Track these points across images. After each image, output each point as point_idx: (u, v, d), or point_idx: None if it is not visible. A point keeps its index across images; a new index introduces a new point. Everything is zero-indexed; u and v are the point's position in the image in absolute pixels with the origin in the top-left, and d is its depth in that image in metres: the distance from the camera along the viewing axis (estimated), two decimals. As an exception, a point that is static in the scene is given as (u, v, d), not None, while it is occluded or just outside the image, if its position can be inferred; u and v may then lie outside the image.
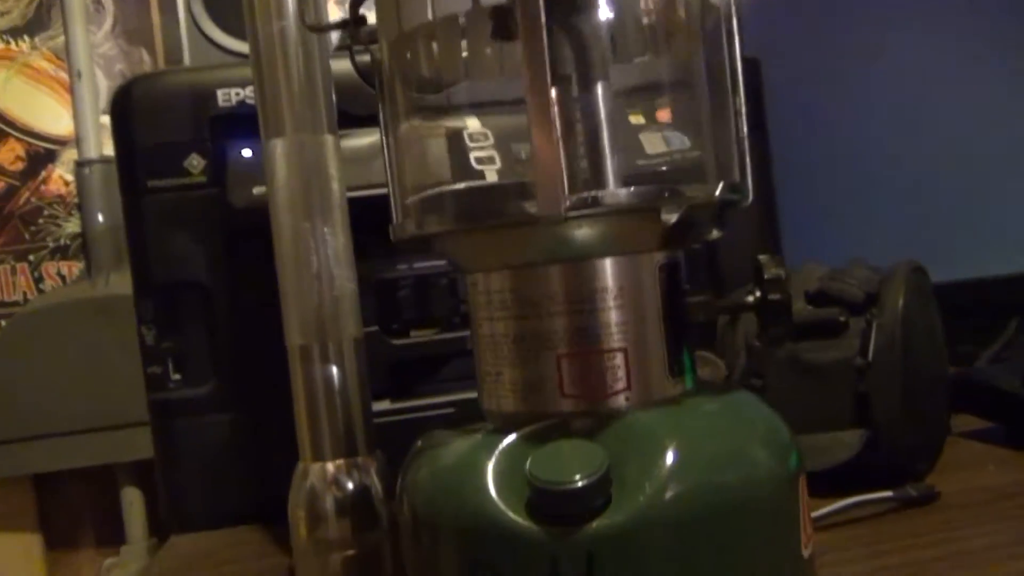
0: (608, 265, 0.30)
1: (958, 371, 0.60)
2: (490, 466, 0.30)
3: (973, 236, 0.86)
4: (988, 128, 0.84)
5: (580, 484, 0.27)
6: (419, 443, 0.35)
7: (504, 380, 0.32)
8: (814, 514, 0.39)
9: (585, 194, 0.28)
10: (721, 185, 0.30)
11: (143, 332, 0.59)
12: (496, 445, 0.30)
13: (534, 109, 0.27)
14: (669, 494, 0.28)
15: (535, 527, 0.28)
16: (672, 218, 0.30)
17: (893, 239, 0.83)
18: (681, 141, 0.48)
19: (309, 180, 0.45)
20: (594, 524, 0.27)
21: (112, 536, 1.01)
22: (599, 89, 0.33)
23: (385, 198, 0.54)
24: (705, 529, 0.28)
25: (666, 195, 0.29)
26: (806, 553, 0.31)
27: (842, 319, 0.51)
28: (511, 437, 0.30)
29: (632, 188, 0.29)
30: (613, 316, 0.30)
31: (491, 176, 0.51)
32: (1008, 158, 0.85)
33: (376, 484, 0.46)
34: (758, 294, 0.33)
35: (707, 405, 0.32)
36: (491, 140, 0.53)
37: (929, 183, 0.85)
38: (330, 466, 0.46)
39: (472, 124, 0.60)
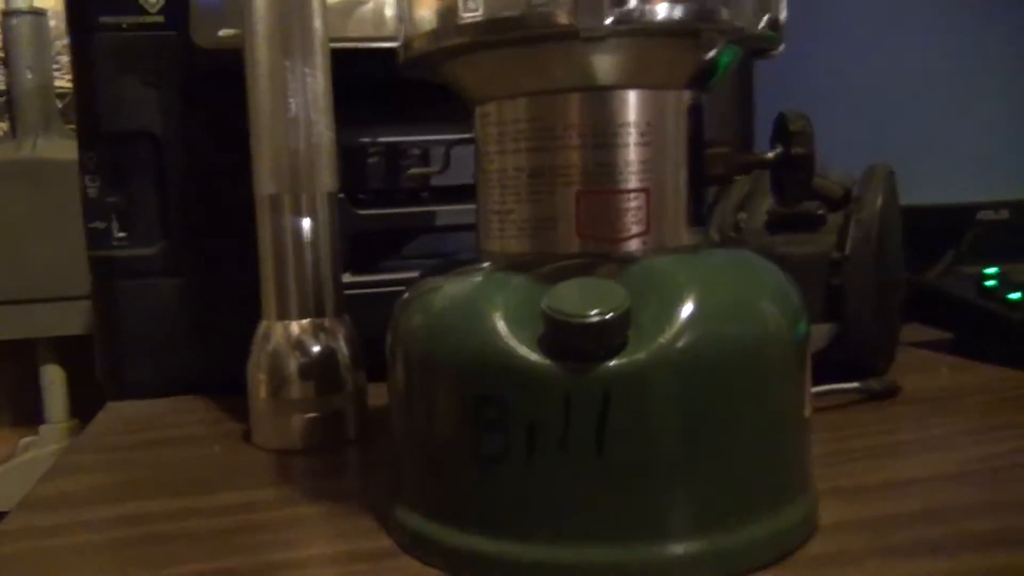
0: (637, 97, 0.29)
1: (914, 280, 0.61)
2: (499, 301, 0.28)
3: (920, 165, 0.87)
4: (943, 66, 0.85)
5: (601, 319, 0.25)
6: (406, 294, 0.33)
7: (513, 218, 0.30)
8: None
9: (629, 8, 0.26)
10: (766, 18, 0.28)
11: (87, 184, 0.55)
12: (505, 282, 0.29)
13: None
14: (688, 338, 0.27)
15: (549, 362, 0.26)
16: (712, 50, 0.28)
17: (849, 157, 0.83)
18: None
19: (290, 13, 0.42)
20: (612, 362, 0.26)
21: (31, 416, 0.97)
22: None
23: (359, 55, 0.51)
24: (720, 376, 0.27)
25: (712, 17, 0.27)
26: (807, 413, 0.31)
27: (820, 213, 0.50)
28: (523, 274, 0.28)
29: (677, 4, 0.27)
30: (638, 153, 0.29)
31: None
32: (960, 99, 0.86)
33: (343, 349, 0.44)
34: (779, 149, 0.32)
35: (723, 257, 0.31)
36: None
37: (886, 111, 0.85)
38: (295, 326, 0.44)
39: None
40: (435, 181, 0.56)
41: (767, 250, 0.51)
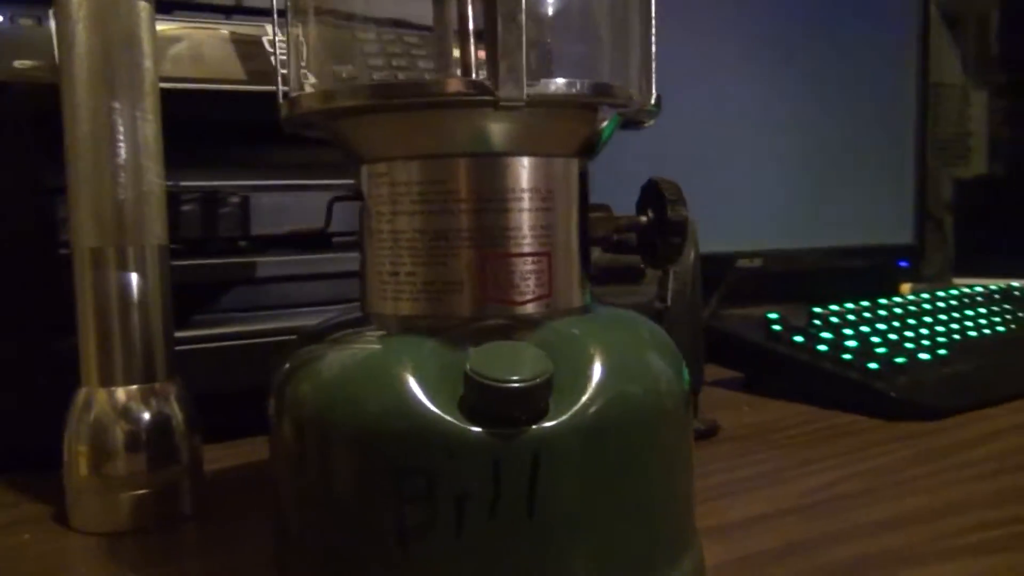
0: (537, 164, 0.29)
1: (709, 324, 0.66)
2: (411, 365, 0.27)
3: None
4: (710, 121, 0.94)
5: (531, 383, 0.25)
6: (287, 365, 0.31)
7: (411, 280, 0.29)
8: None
9: (547, 80, 0.27)
10: (656, 96, 0.30)
11: None
12: (414, 345, 0.28)
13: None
14: (602, 400, 0.27)
15: (476, 429, 0.26)
16: (605, 120, 0.29)
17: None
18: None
19: (117, 51, 0.38)
20: (541, 425, 0.26)
21: None
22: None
23: (186, 97, 0.47)
24: (631, 433, 0.28)
25: (615, 94, 0.28)
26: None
27: (641, 267, 0.53)
28: (432, 337, 0.28)
29: (588, 81, 0.28)
30: (539, 218, 0.29)
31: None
32: (724, 157, 0.95)
33: (177, 414, 0.40)
34: (652, 214, 0.33)
35: (611, 316, 0.32)
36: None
37: (658, 169, 0.92)
38: (121, 393, 0.39)
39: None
40: (255, 229, 0.53)
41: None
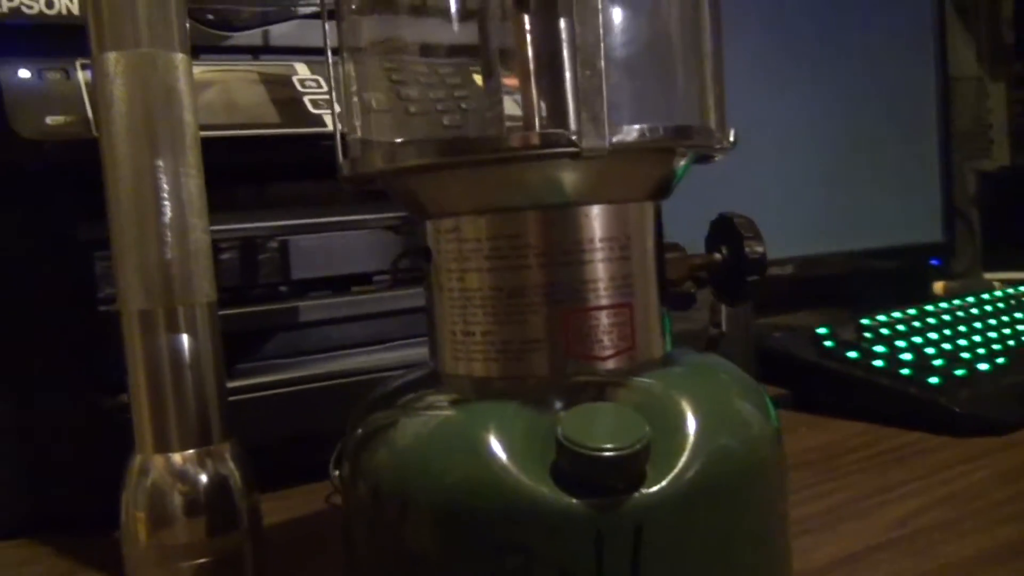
0: (619, 211, 0.28)
1: (759, 342, 0.65)
2: (499, 432, 0.26)
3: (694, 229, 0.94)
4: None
5: (629, 451, 0.24)
6: (359, 431, 0.29)
7: (487, 339, 0.28)
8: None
9: (630, 127, 0.25)
10: (733, 132, 0.29)
11: None
12: (493, 409, 0.26)
13: (583, 31, 0.24)
14: (701, 460, 0.26)
15: (575, 500, 0.24)
16: (682, 161, 0.28)
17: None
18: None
19: (158, 107, 0.37)
20: (641, 494, 0.25)
21: None
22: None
23: (220, 144, 0.46)
24: (732, 490, 0.27)
25: (698, 135, 0.27)
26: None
27: (692, 292, 0.52)
28: (515, 401, 0.26)
29: (676, 125, 0.26)
30: (619, 268, 0.28)
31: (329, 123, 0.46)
32: (746, 163, 0.94)
33: (235, 474, 0.39)
34: (727, 251, 0.32)
35: (692, 364, 0.30)
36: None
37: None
38: (177, 458, 0.38)
39: (300, 69, 0.53)
40: (296, 273, 0.52)
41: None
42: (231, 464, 0.39)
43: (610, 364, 0.28)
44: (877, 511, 0.41)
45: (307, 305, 0.51)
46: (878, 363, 0.58)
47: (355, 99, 0.32)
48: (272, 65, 0.52)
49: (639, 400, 0.27)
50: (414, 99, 0.45)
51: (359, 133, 0.31)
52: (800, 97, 0.97)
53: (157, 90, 0.37)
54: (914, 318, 0.66)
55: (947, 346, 0.61)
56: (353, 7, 0.31)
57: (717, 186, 0.92)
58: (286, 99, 0.50)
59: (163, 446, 0.38)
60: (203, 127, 0.45)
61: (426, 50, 0.40)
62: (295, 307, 0.51)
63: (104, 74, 0.37)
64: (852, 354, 0.59)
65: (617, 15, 0.29)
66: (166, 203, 0.37)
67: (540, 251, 0.27)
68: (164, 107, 0.37)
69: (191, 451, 0.38)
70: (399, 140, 0.30)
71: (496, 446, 0.25)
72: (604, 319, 0.28)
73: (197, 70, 0.49)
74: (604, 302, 0.27)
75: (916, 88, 1.09)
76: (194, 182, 0.38)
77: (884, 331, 0.63)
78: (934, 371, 0.56)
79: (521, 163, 0.26)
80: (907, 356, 0.59)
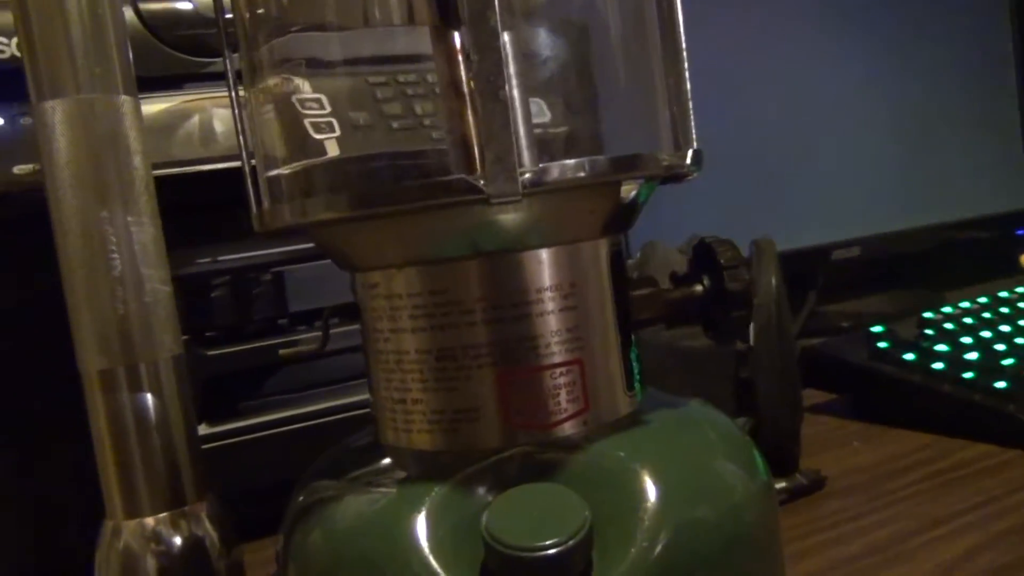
0: (561, 254, 0.24)
1: (805, 347, 0.59)
2: (420, 523, 0.22)
3: (774, 212, 0.88)
4: (788, 112, 0.86)
5: (561, 549, 0.20)
6: (300, 497, 0.27)
7: (421, 408, 0.25)
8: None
9: (545, 165, 0.22)
10: (691, 153, 0.24)
11: None
12: (423, 496, 0.23)
13: (480, 59, 0.20)
14: (661, 544, 0.22)
15: (502, 608, 0.21)
16: (632, 193, 0.24)
17: (699, 214, 0.83)
18: (541, 110, 0.43)
19: (103, 154, 0.35)
20: (581, 594, 0.21)
21: None
22: (507, 38, 0.26)
23: (188, 175, 0.44)
24: (706, 567, 0.23)
25: (639, 164, 0.23)
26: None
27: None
28: (445, 483, 0.23)
29: (603, 157, 0.22)
30: (564, 320, 0.24)
31: (331, 148, 0.43)
32: (806, 140, 0.88)
33: (211, 534, 0.37)
34: (707, 283, 0.28)
35: (665, 420, 0.26)
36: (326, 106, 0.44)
37: (734, 161, 0.85)
38: (150, 521, 0.36)
39: (306, 86, 0.51)
40: (293, 306, 0.49)
41: (669, 346, 0.48)
42: (207, 524, 0.37)
43: (560, 431, 0.24)
44: (925, 551, 0.36)
45: (305, 338, 0.49)
46: (938, 365, 0.52)
47: (274, 137, 0.29)
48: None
49: (588, 472, 0.23)
50: (397, 115, 0.42)
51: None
52: (867, 60, 0.90)
53: (100, 137, 0.35)
54: (984, 308, 0.60)
55: (1021, 340, 0.55)
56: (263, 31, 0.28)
57: (783, 164, 0.86)
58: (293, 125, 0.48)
59: (134, 510, 0.36)
60: (177, 163, 0.44)
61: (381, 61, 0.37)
62: (295, 340, 0.48)
63: (44, 124, 0.35)
64: (909, 356, 0.53)
65: (539, 34, 0.25)
66: (115, 256, 0.35)
67: (466, 307, 0.24)
68: (109, 154, 0.35)
69: (164, 514, 0.36)
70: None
71: (423, 545, 0.22)
72: (548, 380, 0.24)
73: (175, 101, 0.47)
74: (546, 361, 0.24)
75: (994, 54, 1.00)
76: (147, 231, 0.36)
77: (948, 325, 0.57)
78: (1002, 373, 0.50)
79: (433, 212, 0.22)
80: (972, 355, 0.53)
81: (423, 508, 0.23)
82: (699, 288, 0.28)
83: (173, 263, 0.47)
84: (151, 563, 0.36)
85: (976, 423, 0.49)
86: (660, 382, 0.47)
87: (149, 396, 0.36)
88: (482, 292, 0.23)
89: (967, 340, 0.54)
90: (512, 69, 0.22)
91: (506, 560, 0.20)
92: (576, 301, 0.24)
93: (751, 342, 0.46)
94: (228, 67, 0.27)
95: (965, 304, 0.61)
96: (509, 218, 0.22)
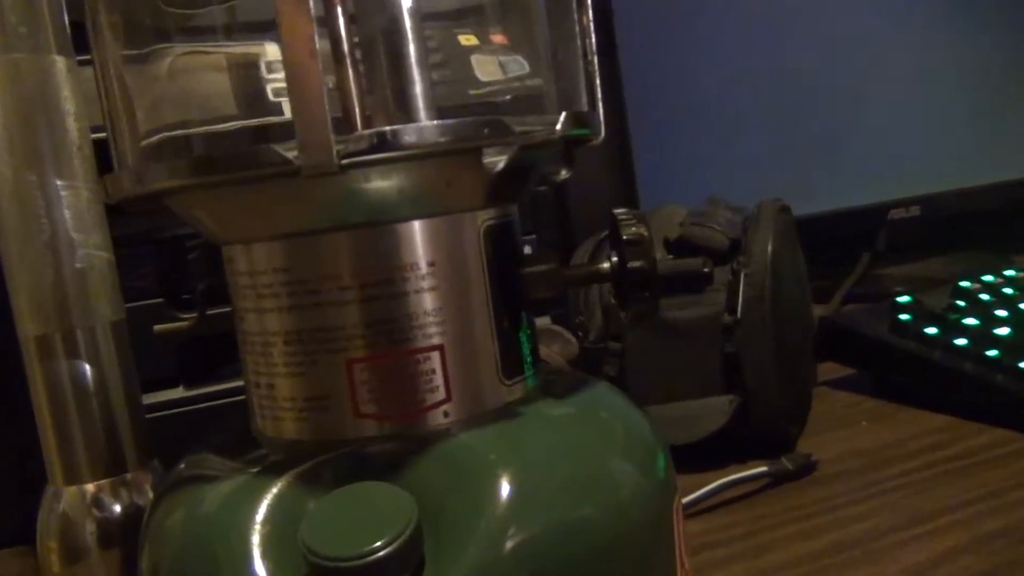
0: (415, 230, 0.22)
1: (822, 318, 0.55)
2: (256, 522, 0.21)
3: (826, 169, 0.83)
4: (841, 61, 0.80)
5: (376, 555, 0.19)
6: (182, 464, 0.26)
7: (278, 395, 0.23)
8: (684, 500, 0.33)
9: (369, 132, 0.19)
10: (564, 117, 0.22)
11: None
12: (264, 490, 0.22)
13: (286, 4, 0.18)
14: (508, 545, 0.20)
15: (315, 618, 0.19)
16: (499, 162, 0.21)
17: (747, 172, 0.78)
18: (521, 67, 0.40)
19: (32, 116, 0.34)
20: (402, 605, 0.19)
21: None
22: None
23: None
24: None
25: (487, 131, 0.20)
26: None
27: (706, 270, 0.44)
28: (281, 480, 0.21)
29: (439, 122, 0.20)
30: (424, 302, 0.22)
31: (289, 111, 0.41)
32: (861, 91, 0.82)
33: (150, 503, 0.37)
34: (614, 260, 0.25)
35: (552, 411, 0.24)
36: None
37: (784, 115, 0.80)
38: (90, 487, 0.36)
39: (270, 50, 0.49)
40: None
41: (652, 317, 0.46)
42: (149, 494, 0.37)
43: (417, 423, 0.22)
44: (895, 552, 0.33)
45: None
46: (961, 342, 0.48)
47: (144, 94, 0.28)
48: (241, 47, 0.48)
49: (434, 471, 0.21)
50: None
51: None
52: (936, 15, 0.83)
53: (28, 98, 0.34)
54: (1029, 277, 0.54)
55: (1063, 315, 0.49)
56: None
57: (836, 119, 0.81)
58: (249, 87, 0.47)
59: (73, 476, 0.36)
60: (169, 126, 0.43)
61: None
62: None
63: (-28, 86, 0.34)
64: (931, 330, 0.49)
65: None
66: (44, 221, 0.34)
67: (312, 287, 0.22)
68: (39, 117, 0.34)
69: (104, 481, 0.36)
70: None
71: (254, 548, 0.21)
72: (402, 368, 0.22)
73: (168, 60, 0.46)
74: (401, 347, 0.22)
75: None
76: (82, 195, 0.35)
77: (984, 296, 0.52)
78: (1032, 351, 0.46)
79: (259, 185, 0.21)
80: (1003, 331, 0.48)
81: (261, 503, 0.21)
82: (605, 265, 0.25)
83: (152, 226, 0.47)
84: (90, 529, 0.36)
85: (996, 406, 0.44)
86: (642, 356, 0.44)
87: (86, 363, 0.35)
88: (328, 271, 0.22)
89: (1002, 313, 0.49)
90: (344, 30, 0.20)
91: (315, 570, 0.19)
92: (436, 281, 0.22)
93: (738, 313, 0.43)
94: (91, 28, 0.25)
95: (1010, 272, 0.55)
96: (335, 193, 0.20)
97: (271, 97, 0.45)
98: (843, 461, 0.43)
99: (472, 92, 0.41)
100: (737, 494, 0.40)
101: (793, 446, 0.45)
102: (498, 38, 0.41)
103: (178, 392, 0.48)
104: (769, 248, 0.44)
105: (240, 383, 0.47)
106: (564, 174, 0.28)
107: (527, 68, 0.37)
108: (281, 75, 0.43)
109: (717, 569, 0.33)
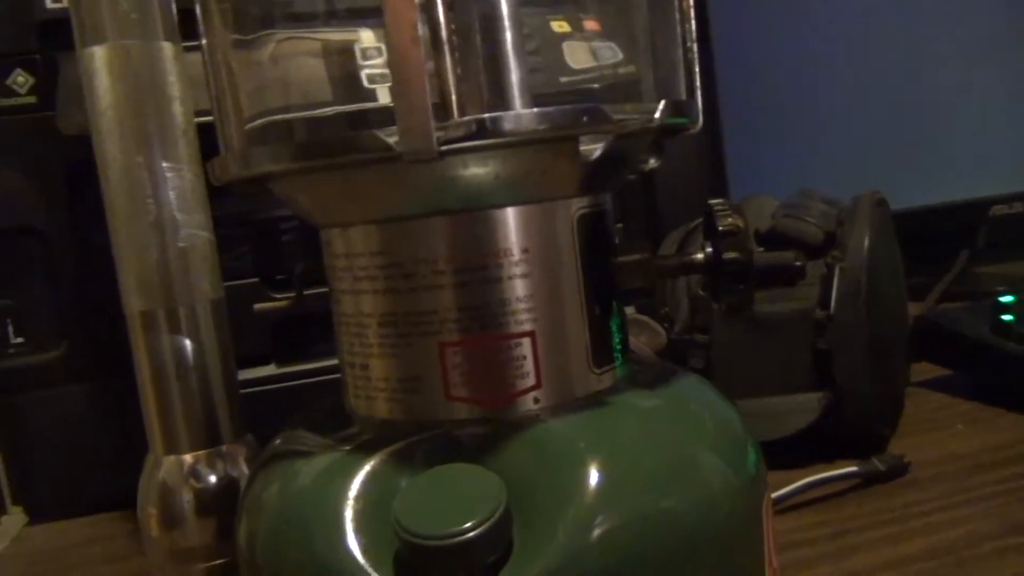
0: (509, 217, 0.22)
1: (918, 316, 0.54)
2: (349, 498, 0.21)
3: (923, 163, 0.80)
4: (938, 54, 0.77)
5: (466, 535, 0.19)
6: (278, 440, 0.27)
7: (371, 376, 0.23)
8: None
9: (469, 119, 0.19)
10: (663, 105, 0.21)
11: (-29, 288, 0.49)
12: (358, 467, 0.22)
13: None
14: (596, 533, 0.20)
15: (405, 594, 0.20)
16: (595, 150, 0.21)
17: (840, 166, 0.76)
18: (614, 54, 0.40)
19: (141, 100, 0.35)
20: (491, 587, 0.19)
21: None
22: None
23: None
24: (657, 569, 0.20)
25: (585, 119, 0.20)
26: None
27: (798, 264, 0.43)
28: (375, 458, 0.22)
29: (538, 110, 0.20)
30: (516, 288, 0.22)
31: (384, 97, 0.42)
32: (957, 86, 0.79)
33: (247, 476, 0.38)
34: (709, 251, 0.25)
35: (642, 402, 0.24)
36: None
37: (878, 108, 0.78)
38: (187, 458, 0.37)
39: (365, 37, 0.50)
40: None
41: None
42: (243, 466, 0.38)
43: (507, 408, 0.22)
44: (990, 562, 0.32)
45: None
46: (1068, 345, 0.45)
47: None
48: (337, 33, 0.49)
49: (524, 457, 0.21)
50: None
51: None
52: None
53: (138, 83, 0.35)
54: None
55: None
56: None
57: (944, 113, 0.78)
58: (344, 73, 0.47)
59: (172, 446, 0.37)
60: (271, 111, 0.44)
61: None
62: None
63: (87, 70, 0.36)
64: (1035, 332, 0.47)
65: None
66: (150, 201, 0.36)
67: (407, 271, 0.22)
68: (148, 101, 0.36)
69: (201, 452, 0.37)
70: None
71: (347, 523, 0.21)
72: (493, 353, 0.22)
73: (271, 47, 0.47)
74: (492, 332, 0.22)
75: None
76: (186, 177, 0.37)
77: (1097, 299, 0.49)
78: None
79: (359, 170, 0.21)
80: (1115, 336, 0.45)
81: (354, 480, 0.22)
82: (699, 256, 0.25)
83: (249, 208, 0.48)
84: (187, 498, 0.37)
85: (1105, 414, 0.42)
86: (729, 350, 0.44)
87: (187, 338, 0.37)
88: (423, 255, 0.22)
89: (1115, 316, 0.47)
90: (443, 16, 0.20)
91: (407, 547, 0.19)
92: (529, 268, 0.22)
93: (831, 309, 0.42)
94: (200, 14, 0.26)
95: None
96: (432, 178, 0.21)
97: (366, 83, 0.46)
98: (937, 465, 0.41)
99: (563, 79, 0.41)
100: (824, 493, 0.39)
101: (884, 447, 0.44)
102: (591, 25, 0.41)
103: (270, 370, 0.49)
104: (866, 242, 0.43)
105: (329, 363, 0.49)
106: (653, 163, 0.27)
107: (620, 55, 0.36)
108: (376, 61, 0.44)
109: (803, 569, 0.33)
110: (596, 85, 0.40)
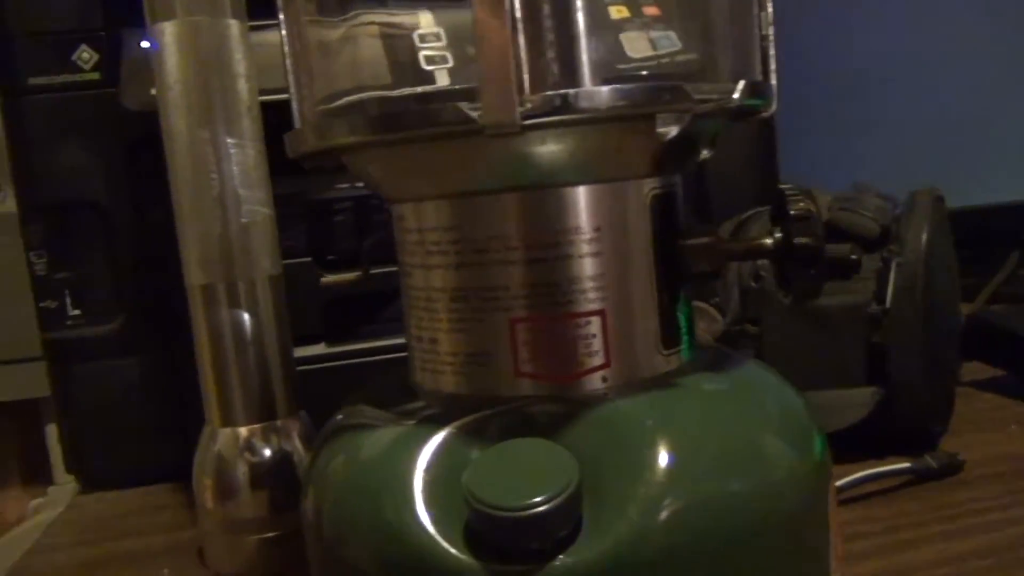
0: (581, 195, 0.22)
1: (970, 315, 0.53)
2: (419, 468, 0.22)
3: (973, 162, 0.79)
4: (993, 52, 0.76)
5: (539, 508, 0.19)
6: (340, 415, 0.27)
7: (440, 350, 0.24)
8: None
9: (552, 94, 0.20)
10: (742, 85, 0.21)
11: (32, 261, 0.50)
12: (427, 439, 0.22)
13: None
14: (665, 513, 0.20)
15: (476, 564, 0.20)
16: (672, 130, 0.21)
17: (891, 162, 0.75)
18: (671, 42, 0.39)
19: (208, 76, 0.36)
20: (559, 561, 0.20)
21: (40, 475, 0.94)
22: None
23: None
24: (712, 558, 0.21)
25: (666, 96, 0.20)
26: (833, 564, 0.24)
27: (854, 257, 0.43)
28: (444, 431, 0.22)
29: (618, 86, 0.20)
30: (587, 267, 0.22)
31: (442, 79, 0.42)
32: (1012, 83, 0.77)
33: (300, 449, 0.38)
34: (779, 235, 0.25)
35: (709, 384, 0.24)
36: (443, 39, 0.43)
37: (930, 107, 0.76)
38: (243, 431, 0.38)
39: (423, 20, 0.50)
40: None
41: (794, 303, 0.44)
42: (296, 441, 0.39)
43: (575, 385, 0.22)
44: (1051, 560, 0.31)
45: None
46: None
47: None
48: (397, 15, 0.50)
49: (594, 434, 0.21)
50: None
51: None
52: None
53: (206, 59, 0.36)
54: None
55: None
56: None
57: (996, 111, 0.76)
58: (403, 57, 0.48)
59: (229, 419, 0.38)
60: (340, 92, 0.44)
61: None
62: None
63: (158, 45, 0.36)
64: (1093, 334, 0.46)
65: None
66: (214, 176, 0.36)
67: (479, 247, 0.22)
68: (214, 76, 0.36)
69: (256, 425, 0.38)
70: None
71: (417, 493, 0.21)
72: (564, 330, 0.22)
73: (338, 31, 0.48)
74: (563, 309, 0.22)
75: None
76: (249, 152, 0.37)
77: None
78: None
79: (435, 144, 0.21)
80: None
81: (422, 452, 0.22)
82: (768, 241, 0.25)
83: (302, 188, 0.48)
84: (242, 469, 0.38)
85: None
86: (781, 343, 0.43)
87: (246, 313, 0.37)
88: (495, 231, 0.22)
89: None
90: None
91: (482, 518, 0.19)
92: (600, 247, 0.22)
93: (887, 303, 0.41)
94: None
95: None
96: (508, 154, 0.21)
97: (424, 66, 0.46)
98: (991, 464, 0.41)
99: (619, 67, 0.41)
100: (876, 488, 0.39)
101: (936, 444, 0.43)
102: (651, 10, 0.40)
103: (319, 349, 0.50)
104: (924, 238, 0.42)
105: (379, 343, 0.49)
106: (706, 154, 0.27)
107: (678, 45, 0.36)
108: (434, 44, 0.44)
109: (857, 562, 0.33)
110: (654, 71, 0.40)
